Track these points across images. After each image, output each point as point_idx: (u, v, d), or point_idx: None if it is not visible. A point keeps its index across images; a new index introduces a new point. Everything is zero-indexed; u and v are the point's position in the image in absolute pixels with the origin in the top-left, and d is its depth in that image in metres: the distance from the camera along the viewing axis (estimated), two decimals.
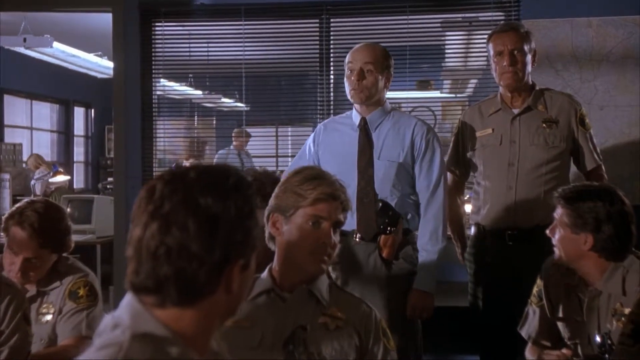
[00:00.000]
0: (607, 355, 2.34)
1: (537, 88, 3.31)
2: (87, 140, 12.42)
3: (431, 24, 5.04)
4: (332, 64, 5.09)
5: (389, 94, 3.23)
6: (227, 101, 6.07)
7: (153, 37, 5.23)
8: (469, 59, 5.33)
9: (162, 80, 5.40)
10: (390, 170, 3.07)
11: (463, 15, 4.95)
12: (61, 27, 7.55)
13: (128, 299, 1.27)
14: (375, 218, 3.00)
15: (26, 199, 2.81)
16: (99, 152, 12.41)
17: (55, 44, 7.64)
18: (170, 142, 5.50)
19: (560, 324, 2.57)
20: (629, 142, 4.52)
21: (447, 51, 5.46)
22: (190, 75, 5.57)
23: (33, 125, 10.94)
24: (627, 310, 2.34)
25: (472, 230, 3.39)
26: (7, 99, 9.97)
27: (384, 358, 2.06)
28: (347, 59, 3.14)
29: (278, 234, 2.07)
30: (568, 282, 2.52)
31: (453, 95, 5.98)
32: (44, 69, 9.56)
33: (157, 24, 5.22)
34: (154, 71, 5.27)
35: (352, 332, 2.04)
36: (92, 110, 12.31)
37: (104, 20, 5.50)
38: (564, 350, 2.55)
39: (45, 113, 11.39)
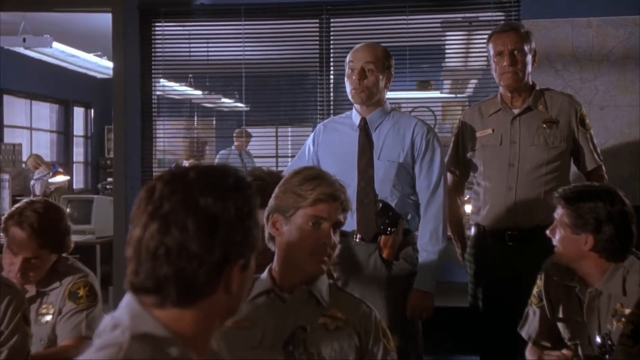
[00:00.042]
0: (607, 356, 2.34)
1: (537, 88, 3.31)
2: (86, 141, 12.41)
3: (431, 24, 5.04)
4: (332, 64, 5.09)
5: (389, 94, 3.23)
6: (227, 101, 6.07)
7: (153, 37, 5.23)
8: (469, 59, 5.33)
9: (161, 80, 5.40)
10: (390, 171, 3.07)
11: (463, 15, 4.95)
12: (61, 27, 7.54)
13: (127, 299, 1.27)
14: (375, 218, 3.00)
15: (25, 199, 2.80)
16: (98, 152, 12.40)
17: (55, 44, 7.63)
18: (170, 143, 5.50)
19: (560, 325, 2.56)
20: (629, 142, 4.52)
21: (447, 51, 5.46)
22: (190, 75, 5.57)
23: (32, 126, 10.93)
24: (627, 311, 2.34)
25: (472, 230, 3.38)
26: (7, 99, 9.96)
27: (384, 358, 2.06)
28: (348, 59, 3.14)
29: (278, 234, 2.07)
30: (568, 282, 2.52)
31: (453, 95, 5.98)
32: (44, 69, 9.55)
33: (156, 24, 5.22)
34: (153, 71, 5.27)
35: (352, 333, 2.04)
36: (92, 111, 12.31)
37: (103, 20, 5.50)
38: (564, 351, 2.55)
39: (44, 113, 11.39)
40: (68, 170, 10.57)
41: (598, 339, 2.38)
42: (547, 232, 2.51)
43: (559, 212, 2.46)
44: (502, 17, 4.82)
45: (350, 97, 3.14)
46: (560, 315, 2.55)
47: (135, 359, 1.18)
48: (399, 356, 2.15)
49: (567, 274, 2.52)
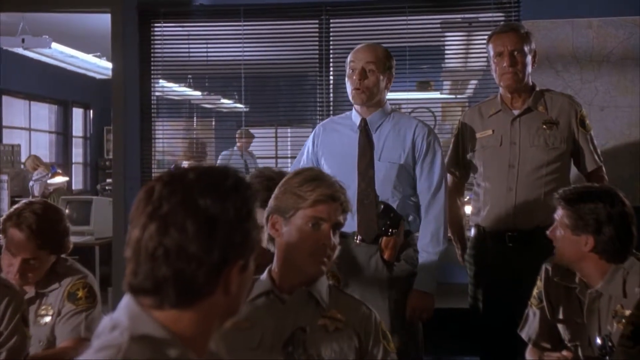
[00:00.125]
0: (607, 357, 2.34)
1: (538, 89, 3.30)
2: (85, 141, 12.40)
3: (431, 25, 5.04)
4: (331, 64, 5.09)
5: (389, 95, 3.22)
6: (226, 102, 6.06)
7: (152, 37, 5.23)
8: (469, 60, 5.32)
9: (161, 81, 5.40)
10: (391, 172, 3.06)
11: (463, 15, 4.94)
12: (60, 27, 7.54)
13: (126, 300, 1.26)
14: (376, 220, 2.99)
15: (24, 200, 2.80)
16: (97, 153, 12.39)
17: (54, 45, 7.62)
18: (169, 143, 5.49)
19: (560, 326, 2.56)
20: (630, 143, 4.51)
21: (446, 52, 5.45)
22: (189, 76, 5.56)
23: (31, 126, 10.92)
24: (627, 312, 2.34)
25: (472, 231, 3.38)
26: (6, 99, 9.95)
27: (384, 359, 2.05)
28: (348, 59, 3.13)
29: (277, 235, 2.07)
30: (568, 283, 2.51)
31: (453, 96, 5.96)
32: (43, 69, 9.54)
33: (156, 24, 5.22)
34: (152, 72, 5.27)
35: (352, 334, 2.03)
36: (91, 111, 12.30)
37: (102, 20, 5.49)
38: (565, 352, 2.55)
39: (43, 114, 11.38)
40: (67, 171, 10.56)
41: (598, 340, 2.37)
42: (548, 233, 2.51)
43: (559, 213, 2.46)
44: (502, 18, 4.82)
45: (350, 98, 3.14)
46: (561, 316, 2.55)
47: None
48: (399, 357, 2.15)
49: (567, 275, 2.52)
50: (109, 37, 5.25)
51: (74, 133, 11.94)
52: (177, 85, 5.67)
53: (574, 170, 3.36)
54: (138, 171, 5.19)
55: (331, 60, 5.08)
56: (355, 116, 3.17)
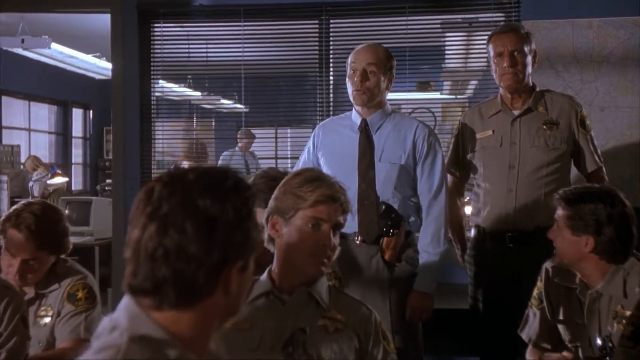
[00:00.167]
0: (607, 358, 2.34)
1: (538, 89, 3.30)
2: (85, 142, 12.40)
3: (431, 25, 5.03)
4: (331, 65, 5.08)
5: (389, 95, 3.22)
6: (226, 102, 6.05)
7: (152, 38, 5.22)
8: (469, 60, 5.32)
9: (160, 81, 5.39)
10: (391, 173, 3.06)
11: (463, 16, 4.93)
12: (59, 28, 7.53)
13: (126, 301, 1.26)
14: (377, 220, 2.99)
15: (23, 201, 2.80)
16: (97, 154, 12.39)
17: (54, 45, 7.61)
18: (169, 144, 5.49)
19: (560, 327, 2.56)
20: (630, 143, 4.51)
21: (447, 52, 5.45)
22: (189, 76, 5.56)
23: (31, 127, 10.92)
24: (628, 313, 2.34)
25: (472, 232, 3.38)
26: (5, 100, 9.94)
27: (384, 359, 2.05)
28: (349, 59, 3.13)
29: (277, 236, 2.06)
30: (568, 284, 2.51)
31: (453, 96, 5.96)
32: (42, 70, 9.53)
33: (155, 24, 5.21)
34: (152, 72, 5.26)
35: (352, 335, 2.03)
36: (91, 112, 12.29)
37: (102, 21, 5.48)
38: (565, 353, 2.55)
39: (43, 114, 11.37)
40: (67, 172, 10.57)
41: (598, 341, 2.37)
42: (548, 234, 2.50)
43: (559, 214, 2.46)
44: (502, 18, 4.81)
45: (351, 99, 3.13)
46: (561, 317, 2.55)
47: None
48: (399, 358, 2.15)
49: (567, 275, 2.52)
50: (108, 37, 5.25)
51: (74, 133, 11.94)
52: (176, 85, 5.67)
53: (574, 171, 3.36)
54: (138, 172, 5.19)
55: (331, 60, 5.08)
56: (355, 116, 3.17)
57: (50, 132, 11.56)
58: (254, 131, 6.47)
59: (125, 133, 5.19)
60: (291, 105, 5.50)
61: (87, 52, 8.73)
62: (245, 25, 5.14)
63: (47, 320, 2.77)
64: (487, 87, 4.81)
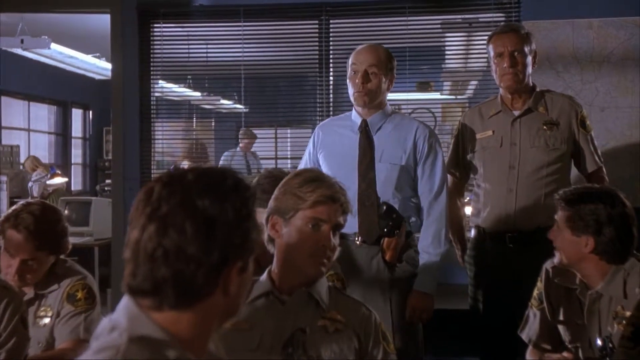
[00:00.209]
0: (607, 359, 2.33)
1: (538, 90, 3.30)
2: (84, 142, 12.40)
3: (431, 25, 5.02)
4: (331, 65, 5.08)
5: (389, 95, 3.21)
6: (226, 103, 6.05)
7: (151, 38, 5.22)
8: (469, 61, 5.31)
9: (160, 81, 5.38)
10: (392, 173, 3.06)
11: (463, 16, 4.93)
12: (59, 28, 7.53)
13: (125, 301, 1.26)
14: (377, 221, 2.99)
15: (22, 201, 2.79)
16: (96, 154, 12.39)
17: (53, 45, 7.61)
18: (169, 144, 5.48)
19: (561, 327, 2.56)
20: (630, 143, 4.51)
21: (447, 52, 5.45)
22: (189, 76, 5.56)
23: (30, 127, 10.92)
24: (628, 313, 2.34)
25: (472, 232, 3.38)
26: (5, 100, 9.94)
27: None
28: (350, 60, 3.12)
29: (277, 236, 2.06)
30: (569, 285, 2.51)
31: (453, 96, 5.95)
32: (42, 70, 9.53)
33: (155, 25, 5.21)
34: (152, 72, 5.26)
35: (352, 335, 2.03)
36: (90, 112, 12.29)
37: (102, 21, 5.48)
38: (565, 354, 2.54)
39: (42, 114, 11.38)
40: (66, 172, 10.57)
41: (599, 342, 2.37)
42: (548, 234, 2.50)
43: (559, 214, 2.45)
44: (503, 18, 4.81)
45: (352, 100, 3.13)
46: (561, 317, 2.55)
47: None
48: (399, 358, 2.15)
49: (567, 276, 2.51)
50: (108, 37, 5.24)
51: (73, 134, 11.94)
52: (176, 85, 5.67)
53: (574, 171, 3.36)
54: (137, 172, 5.18)
55: (331, 60, 5.07)
56: (355, 116, 3.16)
57: (49, 133, 11.56)
58: (253, 131, 6.47)
59: (125, 133, 5.19)
60: (291, 105, 5.49)
61: (87, 53, 8.72)
62: (245, 26, 5.14)
63: (47, 320, 2.76)
64: (487, 88, 4.81)
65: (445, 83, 5.83)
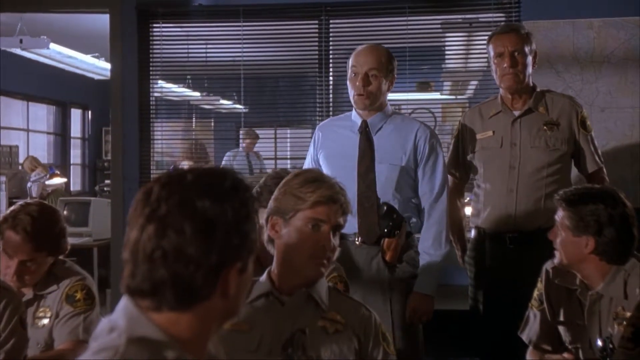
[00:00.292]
0: (608, 359, 2.32)
1: (538, 90, 3.29)
2: (84, 142, 12.40)
3: (431, 25, 5.02)
4: (331, 65, 5.07)
5: (388, 96, 3.20)
6: (225, 103, 6.05)
7: (151, 38, 5.21)
8: (469, 61, 5.31)
9: (159, 81, 5.37)
10: (392, 174, 3.05)
11: (463, 16, 4.93)
12: (58, 28, 7.53)
13: (124, 302, 1.26)
14: (377, 222, 2.98)
15: (21, 202, 2.79)
16: (95, 154, 12.39)
17: (52, 46, 7.60)
18: (168, 144, 5.48)
19: (561, 328, 2.56)
20: (631, 144, 4.50)
21: (447, 52, 5.44)
22: (188, 76, 5.55)
23: (29, 127, 10.92)
24: (628, 314, 2.34)
25: (472, 233, 3.38)
26: (4, 100, 9.93)
27: None
28: (350, 62, 3.11)
29: (277, 236, 2.06)
30: (569, 285, 2.50)
31: (453, 97, 5.95)
32: (41, 70, 9.52)
33: (154, 25, 5.20)
34: (151, 73, 5.25)
35: (352, 336, 2.03)
36: (89, 112, 12.29)
37: (101, 21, 5.48)
38: (565, 355, 2.54)
39: (41, 115, 11.37)
40: (65, 172, 10.57)
41: (599, 342, 2.36)
42: (549, 234, 2.50)
43: (559, 215, 2.45)
44: (503, 18, 4.80)
45: (353, 102, 3.12)
46: (561, 318, 2.55)
47: None
48: (399, 359, 2.14)
49: (567, 276, 2.51)
50: (107, 37, 5.23)
51: (72, 134, 11.94)
52: (176, 85, 5.66)
53: (574, 172, 3.35)
54: (136, 172, 5.17)
55: (331, 60, 5.06)
56: (355, 117, 3.16)
57: (48, 133, 11.56)
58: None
59: (124, 133, 5.18)
60: (291, 105, 5.49)
61: (86, 53, 8.71)
62: (244, 26, 5.13)
63: (46, 321, 2.76)
64: (487, 88, 4.81)
65: (445, 83, 5.83)
